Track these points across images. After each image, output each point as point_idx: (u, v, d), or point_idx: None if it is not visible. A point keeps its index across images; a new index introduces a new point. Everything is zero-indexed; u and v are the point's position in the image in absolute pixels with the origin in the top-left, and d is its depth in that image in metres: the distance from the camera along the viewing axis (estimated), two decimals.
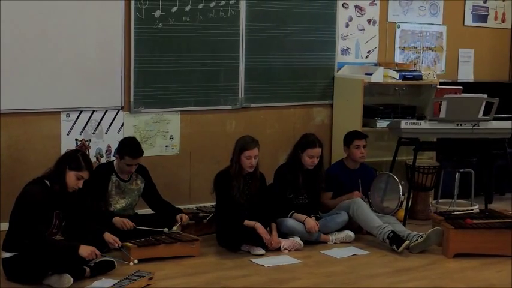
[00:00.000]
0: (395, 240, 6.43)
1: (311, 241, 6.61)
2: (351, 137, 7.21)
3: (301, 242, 6.52)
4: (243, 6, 7.63)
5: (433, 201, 7.88)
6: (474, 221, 6.46)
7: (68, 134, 6.97)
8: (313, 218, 6.69)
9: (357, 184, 7.12)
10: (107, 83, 7.05)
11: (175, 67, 7.35)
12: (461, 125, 7.05)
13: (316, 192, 6.92)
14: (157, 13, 7.18)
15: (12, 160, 6.73)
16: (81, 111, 7.01)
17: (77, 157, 5.52)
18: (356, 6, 8.43)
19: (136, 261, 5.78)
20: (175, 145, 7.53)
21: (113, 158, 6.95)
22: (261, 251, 6.29)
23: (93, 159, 6.97)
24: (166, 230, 6.31)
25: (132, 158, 6.35)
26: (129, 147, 6.40)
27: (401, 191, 6.86)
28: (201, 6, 7.39)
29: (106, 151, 7.16)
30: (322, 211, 6.99)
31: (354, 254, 6.43)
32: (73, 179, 5.46)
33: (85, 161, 5.52)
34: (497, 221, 6.54)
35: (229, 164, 6.52)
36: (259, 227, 6.33)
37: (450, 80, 8.92)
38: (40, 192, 5.38)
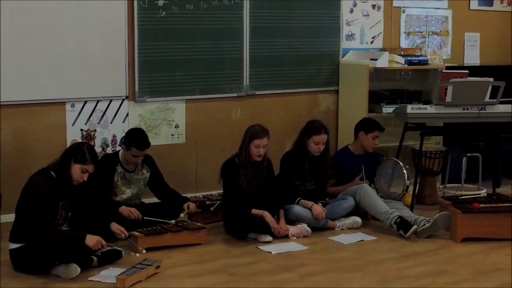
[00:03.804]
0: (403, 225, 6.43)
1: (318, 227, 6.61)
2: (372, 126, 7.17)
3: (309, 229, 6.52)
4: None
5: (441, 186, 7.87)
6: (482, 205, 6.45)
7: (73, 125, 6.97)
8: (320, 204, 6.68)
9: (362, 170, 7.11)
10: (111, 73, 7.04)
11: (180, 56, 7.34)
12: (467, 109, 7.03)
13: (323, 178, 6.91)
14: (161, 2, 7.17)
15: (18, 151, 6.73)
16: (86, 102, 7.01)
17: (83, 150, 5.51)
18: None
19: (144, 250, 5.79)
20: (181, 133, 7.52)
21: (118, 148, 6.94)
22: (268, 238, 6.29)
23: (99, 149, 6.99)
24: (173, 221, 6.30)
25: (139, 150, 6.34)
26: (136, 138, 6.38)
27: (406, 175, 6.84)
28: None
29: (112, 141, 7.16)
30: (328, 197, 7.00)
31: (361, 240, 6.43)
32: (78, 172, 5.45)
33: (90, 154, 5.51)
34: (505, 204, 6.53)
35: (237, 152, 6.52)
36: (267, 216, 6.32)
37: (456, 64, 8.88)
38: (46, 183, 5.39)
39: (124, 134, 6.65)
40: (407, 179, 6.85)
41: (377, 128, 7.18)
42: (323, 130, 6.76)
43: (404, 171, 6.86)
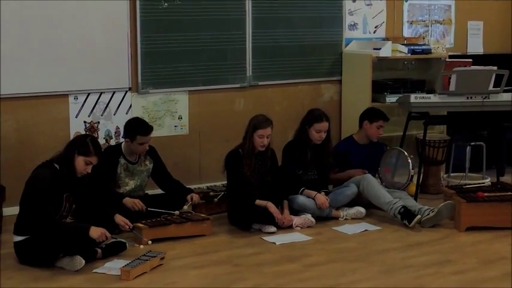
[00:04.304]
0: (407, 215, 6.42)
1: (322, 217, 6.61)
2: (377, 116, 7.18)
3: (313, 219, 6.52)
4: None
5: (444, 175, 7.86)
6: (486, 194, 6.45)
7: (76, 117, 6.97)
8: (323, 193, 6.68)
9: (366, 160, 7.12)
10: (114, 65, 7.04)
11: (182, 47, 7.32)
12: (471, 98, 7.02)
13: (325, 167, 6.90)
14: None
15: (21, 144, 6.74)
16: (89, 94, 7.01)
17: (86, 142, 5.51)
18: None
19: (150, 241, 5.79)
20: (184, 125, 7.52)
21: (122, 140, 6.93)
22: (272, 229, 6.29)
23: (103, 141, 6.99)
24: (177, 212, 6.31)
25: (145, 136, 6.34)
26: (138, 126, 6.39)
27: (410, 165, 6.84)
28: None
29: (115, 133, 7.16)
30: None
31: (366, 230, 6.43)
32: (82, 164, 5.45)
33: (94, 146, 5.51)
34: (509, 193, 6.51)
35: (241, 143, 6.52)
36: (271, 206, 6.32)
37: (459, 53, 8.86)
38: (49, 176, 5.39)
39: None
40: (412, 169, 6.85)
41: (382, 117, 7.17)
42: (324, 118, 6.75)
43: (409, 160, 6.85)
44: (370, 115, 7.21)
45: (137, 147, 6.37)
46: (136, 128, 6.36)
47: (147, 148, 6.44)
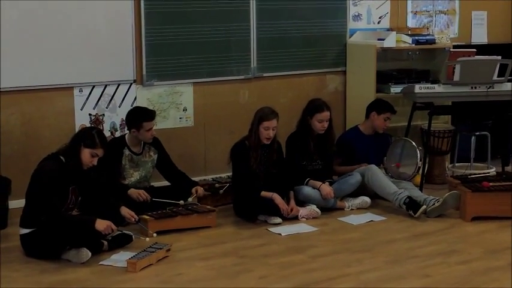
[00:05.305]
0: (412, 205, 6.43)
1: (327, 208, 6.62)
2: (385, 108, 7.18)
3: (319, 210, 6.53)
4: None
5: (449, 165, 7.86)
6: (491, 184, 6.45)
7: (81, 109, 6.97)
8: (327, 183, 6.68)
9: (371, 150, 7.12)
10: (119, 57, 7.03)
11: (187, 39, 7.32)
12: (475, 87, 7.02)
13: (329, 156, 6.91)
14: None
15: (27, 137, 6.75)
16: (93, 86, 7.01)
17: (92, 134, 5.52)
18: None
19: (155, 234, 5.80)
20: (189, 117, 7.52)
21: (126, 132, 6.94)
22: (278, 220, 6.30)
23: (108, 134, 6.98)
24: (182, 202, 6.33)
25: (150, 121, 6.37)
26: (141, 113, 6.44)
27: (418, 156, 6.83)
28: None
29: (120, 125, 7.15)
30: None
31: (371, 220, 6.43)
32: (88, 156, 5.47)
33: (100, 139, 5.53)
34: None
35: (247, 135, 6.52)
36: (277, 197, 6.33)
37: (463, 43, 8.84)
38: (55, 168, 5.40)
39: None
40: (420, 160, 6.84)
41: (390, 110, 7.18)
42: (325, 107, 6.76)
43: (417, 151, 6.84)
44: (378, 106, 7.22)
45: (145, 134, 6.39)
46: (140, 115, 6.39)
47: (154, 133, 6.46)
